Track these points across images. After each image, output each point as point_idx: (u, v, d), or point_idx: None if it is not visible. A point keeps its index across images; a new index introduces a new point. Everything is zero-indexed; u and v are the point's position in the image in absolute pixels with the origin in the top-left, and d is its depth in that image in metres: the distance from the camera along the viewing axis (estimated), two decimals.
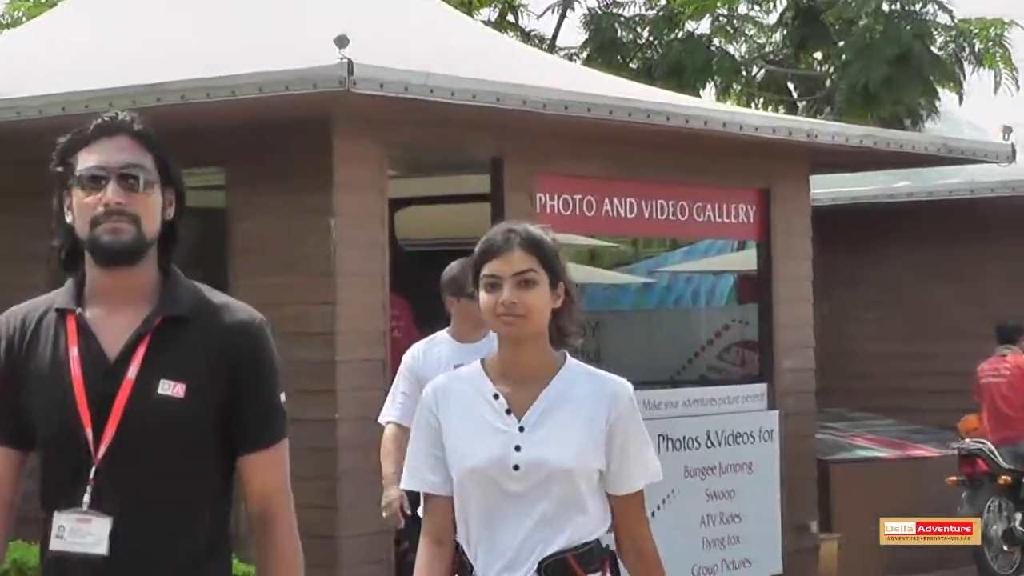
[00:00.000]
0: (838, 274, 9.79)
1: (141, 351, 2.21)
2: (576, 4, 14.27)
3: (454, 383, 2.72)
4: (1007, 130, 8.48)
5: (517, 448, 2.63)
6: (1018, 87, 12.93)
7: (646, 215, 7.36)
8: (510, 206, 6.48)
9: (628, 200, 7.26)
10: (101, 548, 2.15)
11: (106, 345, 2.21)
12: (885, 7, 12.20)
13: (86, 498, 2.16)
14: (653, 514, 6.84)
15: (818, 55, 13.83)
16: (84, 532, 2.16)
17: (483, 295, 2.65)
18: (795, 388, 7.91)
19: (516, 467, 2.63)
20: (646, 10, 13.68)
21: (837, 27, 12.76)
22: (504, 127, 6.54)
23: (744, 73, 13.56)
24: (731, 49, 13.53)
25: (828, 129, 7.86)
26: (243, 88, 5.74)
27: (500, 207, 6.55)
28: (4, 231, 6.19)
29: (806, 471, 7.98)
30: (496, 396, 2.67)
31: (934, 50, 12.36)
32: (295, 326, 6.08)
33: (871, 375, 9.79)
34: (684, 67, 12.69)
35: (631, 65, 13.19)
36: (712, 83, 13.20)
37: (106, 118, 2.28)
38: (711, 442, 7.40)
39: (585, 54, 13.62)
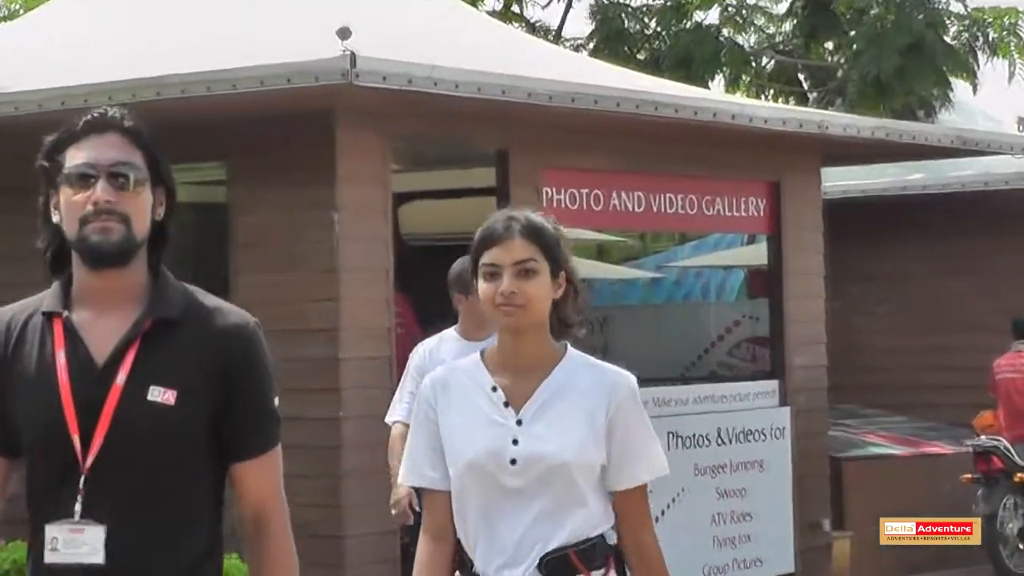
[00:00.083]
0: (850, 268, 9.70)
1: (131, 356, 2.16)
2: None
3: (453, 376, 2.66)
4: (1022, 121, 8.37)
5: (515, 442, 2.58)
6: None
7: (654, 209, 7.29)
8: (516, 200, 6.39)
9: (636, 194, 7.18)
10: (97, 557, 2.11)
11: (94, 349, 2.16)
12: None
13: (77, 507, 2.12)
14: (663, 512, 6.92)
15: (829, 45, 13.71)
16: (78, 542, 2.12)
17: (482, 284, 2.59)
18: (807, 385, 7.83)
19: (513, 461, 2.57)
20: (653, 0, 13.59)
21: (848, 16, 12.64)
22: (509, 120, 6.46)
23: (753, 64, 13.47)
24: (740, 39, 13.44)
25: (839, 121, 7.77)
26: (244, 81, 5.67)
27: (506, 201, 6.46)
28: (4, 230, 6.12)
29: (818, 469, 7.90)
30: (494, 388, 2.61)
31: (947, 39, 12.27)
32: (298, 322, 6.01)
33: (883, 371, 9.71)
34: (692, 58, 12.59)
35: (638, 56, 13.10)
36: (721, 74, 13.11)
37: (96, 114, 2.21)
38: (722, 440, 7.32)
39: (591, 45, 13.52)
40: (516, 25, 13.85)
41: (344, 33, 5.45)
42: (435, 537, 2.63)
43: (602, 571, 2.60)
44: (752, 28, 13.59)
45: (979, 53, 12.51)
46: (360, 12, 6.33)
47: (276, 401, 2.23)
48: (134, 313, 2.17)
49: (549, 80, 6.28)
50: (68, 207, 2.16)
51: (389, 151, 6.21)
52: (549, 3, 14.69)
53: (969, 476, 8.30)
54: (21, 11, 13.94)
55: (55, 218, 2.19)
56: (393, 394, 5.48)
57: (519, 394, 2.60)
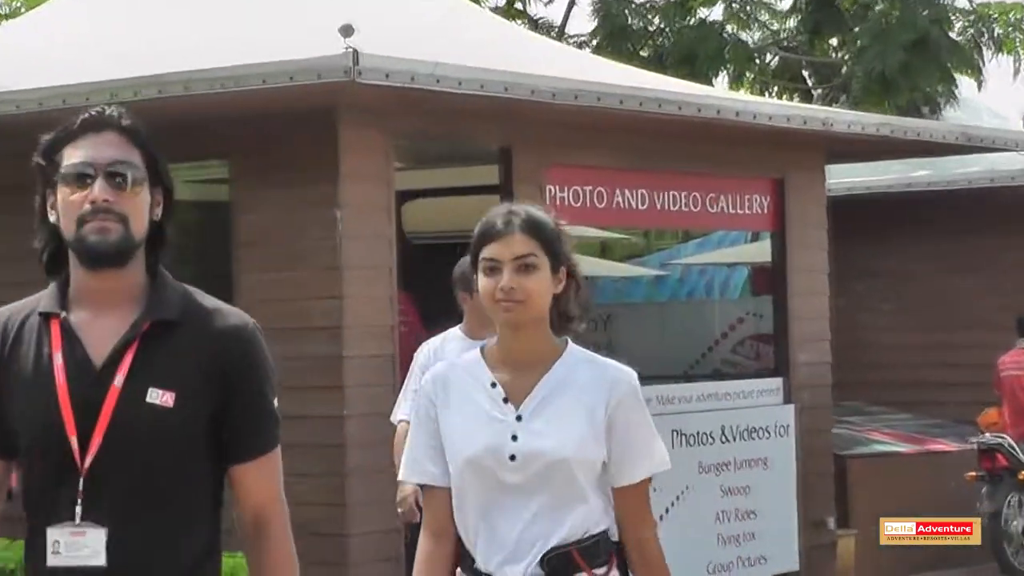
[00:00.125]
0: (854, 265, 9.68)
1: (129, 357, 2.13)
2: None
3: (453, 372, 2.65)
4: None
5: (514, 437, 2.56)
6: None
7: (658, 206, 7.27)
8: (519, 198, 6.36)
9: (640, 191, 7.16)
10: (99, 560, 2.09)
11: (92, 350, 2.14)
12: None
13: (77, 510, 2.10)
14: (667, 510, 6.90)
15: (833, 41, 13.68)
16: (80, 545, 2.10)
17: (482, 279, 2.57)
18: (811, 382, 7.81)
19: (512, 457, 2.55)
20: None
21: (852, 12, 12.61)
22: (513, 117, 6.44)
23: (757, 60, 13.44)
24: (744, 36, 13.41)
25: (844, 118, 7.75)
26: (247, 79, 5.66)
27: (509, 199, 6.42)
28: (4, 229, 6.11)
29: (822, 466, 7.88)
30: (493, 384, 2.59)
31: (952, 35, 12.22)
32: (301, 321, 6.00)
33: (888, 368, 9.68)
34: (696, 55, 12.57)
35: (642, 53, 13.08)
36: (725, 71, 13.08)
37: (93, 112, 2.19)
38: (726, 437, 7.30)
39: (595, 42, 13.49)
40: (519, 22, 13.82)
41: (347, 31, 5.43)
42: (435, 534, 2.62)
43: (604, 569, 2.58)
44: (756, 24, 13.56)
45: (984, 49, 12.47)
46: (362, 9, 6.31)
47: (276, 402, 2.21)
48: (132, 314, 2.15)
49: (552, 77, 6.26)
50: (65, 207, 2.14)
51: (392, 149, 6.20)
52: (552, 0, 14.67)
53: (973, 474, 8.28)
54: (23, 9, 13.94)
55: (52, 218, 2.17)
56: (396, 392, 5.47)
57: (519, 390, 2.58)
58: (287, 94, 5.70)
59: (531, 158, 6.62)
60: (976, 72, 12.45)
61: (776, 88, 13.56)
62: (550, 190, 6.71)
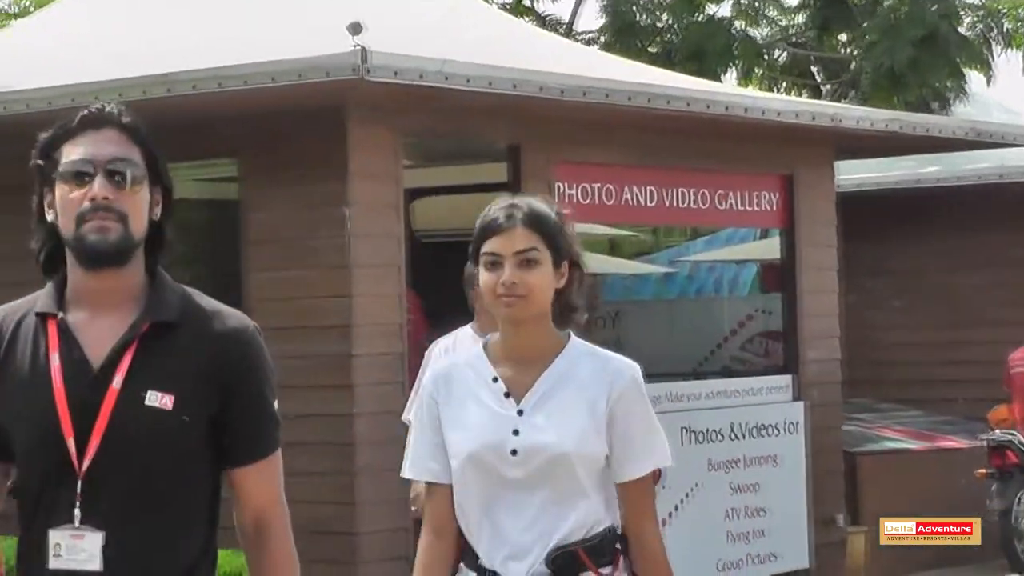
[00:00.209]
0: (863, 262, 9.65)
1: (127, 359, 2.10)
2: None
3: (455, 368, 2.64)
4: None
5: (515, 432, 2.55)
6: None
7: (667, 203, 7.25)
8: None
9: (648, 188, 7.15)
10: (95, 564, 2.08)
11: (89, 351, 2.11)
12: None
13: (76, 512, 2.08)
14: (676, 508, 6.89)
15: (842, 37, 13.64)
16: (78, 548, 2.08)
17: (483, 274, 2.55)
18: (821, 379, 7.79)
19: (514, 452, 2.54)
20: None
21: (861, 7, 12.57)
22: (521, 114, 6.43)
23: (766, 56, 13.40)
24: (753, 32, 13.37)
25: (853, 113, 7.73)
26: (255, 77, 5.66)
27: None
28: (12, 229, 6.11)
29: (832, 463, 7.86)
30: (495, 379, 2.58)
31: (961, 30, 12.18)
32: (310, 319, 6.00)
33: (898, 365, 9.66)
34: (705, 51, 12.53)
35: (650, 50, 13.04)
36: (734, 67, 13.05)
37: (93, 109, 2.15)
38: (735, 435, 7.29)
39: (603, 39, 13.47)
40: (528, 19, 13.81)
41: (355, 28, 5.42)
42: (436, 531, 2.61)
43: (610, 569, 2.57)
44: (764, 20, 13.53)
45: (994, 44, 12.42)
46: (368, 7, 6.31)
47: (276, 404, 2.19)
48: (131, 315, 2.12)
49: (560, 74, 6.25)
50: (64, 204, 2.11)
51: (401, 146, 6.19)
52: None
53: (984, 471, 8.25)
54: (31, 8, 13.96)
55: (50, 217, 2.14)
56: (405, 390, 5.46)
57: (520, 384, 2.57)
58: (296, 92, 5.69)
59: (539, 155, 6.61)
60: (985, 67, 12.40)
61: (785, 84, 13.52)
62: (558, 187, 6.70)
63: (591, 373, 2.56)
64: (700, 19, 13.11)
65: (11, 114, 6.12)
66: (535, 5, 14.87)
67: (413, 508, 5.17)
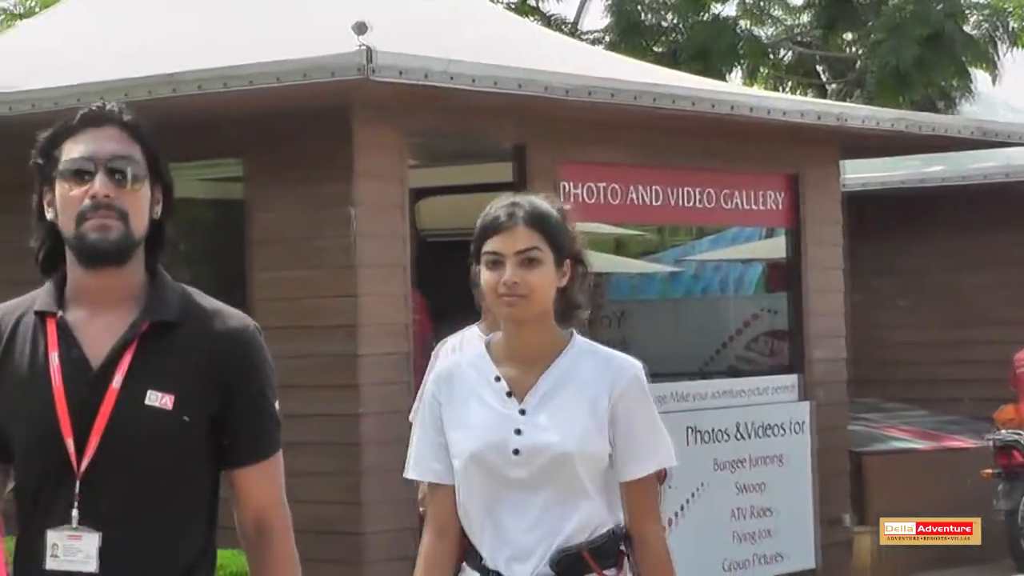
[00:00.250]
0: (869, 261, 9.64)
1: (127, 358, 2.08)
2: None
3: (457, 368, 2.63)
4: None
5: (517, 432, 2.54)
6: None
7: (672, 203, 7.25)
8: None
9: (654, 187, 7.14)
10: (91, 566, 2.06)
11: (89, 350, 2.09)
12: None
13: (74, 513, 2.06)
14: (682, 508, 6.88)
15: (848, 36, 13.62)
16: (75, 549, 2.06)
17: (484, 273, 2.54)
18: (826, 378, 7.78)
19: (516, 451, 2.53)
20: None
21: (866, 4, 12.55)
22: (526, 114, 6.43)
23: (771, 56, 13.38)
24: (758, 31, 13.35)
25: (858, 113, 7.72)
26: (261, 77, 5.66)
27: None
28: (20, 229, 6.12)
29: (839, 463, 7.85)
30: (497, 378, 2.57)
31: (967, 29, 12.15)
32: (315, 319, 6.01)
33: (904, 364, 9.64)
34: (710, 51, 12.51)
35: (655, 49, 13.02)
36: (739, 67, 13.03)
37: (94, 107, 2.14)
38: (741, 434, 7.28)
39: (608, 38, 13.46)
40: (533, 19, 13.80)
41: (360, 28, 5.42)
42: (438, 532, 2.60)
43: (613, 571, 2.56)
44: (770, 20, 13.51)
45: (1000, 43, 12.39)
46: (373, 6, 6.31)
47: (277, 405, 2.17)
48: (130, 314, 2.10)
49: (566, 74, 6.25)
50: (64, 202, 2.09)
51: (406, 146, 6.19)
52: None
53: (990, 471, 8.23)
54: (37, 8, 13.97)
55: (49, 215, 2.12)
56: (411, 389, 5.46)
57: (523, 384, 2.56)
58: (301, 92, 5.69)
59: (545, 155, 6.60)
60: (991, 66, 12.37)
61: (790, 83, 13.50)
62: (564, 186, 6.70)
63: (593, 372, 2.55)
64: (705, 19, 13.09)
65: (17, 114, 6.13)
66: (540, 5, 14.86)
67: (421, 509, 5.17)
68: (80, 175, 2.09)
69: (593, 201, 6.86)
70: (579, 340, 2.60)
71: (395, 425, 5.52)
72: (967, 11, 12.24)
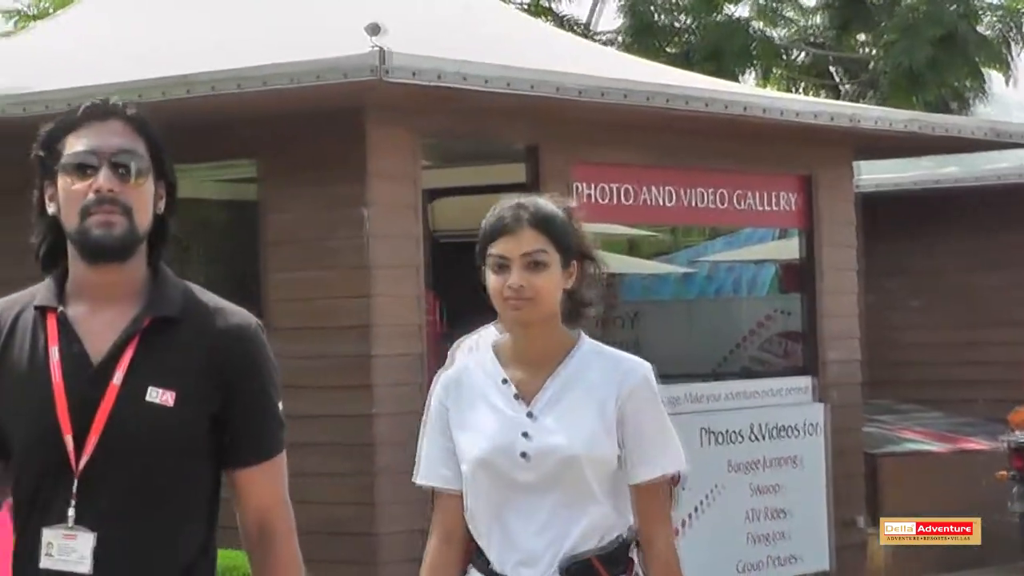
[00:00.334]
0: (883, 262, 9.61)
1: (128, 354, 2.05)
2: None
3: (465, 372, 2.61)
4: None
5: (525, 435, 2.51)
6: None
7: (685, 203, 7.24)
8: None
9: (667, 188, 7.14)
10: (84, 567, 2.03)
11: (90, 346, 2.06)
12: None
13: (71, 512, 2.03)
14: (696, 509, 6.86)
15: (861, 37, 13.60)
16: (69, 549, 2.03)
17: (490, 276, 2.51)
18: (841, 380, 7.76)
19: (524, 455, 2.51)
20: None
21: (880, 5, 12.52)
22: (539, 115, 6.43)
23: (785, 57, 13.37)
24: (771, 32, 13.33)
25: (871, 114, 7.71)
26: (274, 78, 5.67)
27: None
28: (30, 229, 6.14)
29: (853, 465, 7.83)
30: (505, 381, 2.55)
31: (980, 30, 12.12)
32: (329, 320, 6.01)
33: (918, 365, 9.60)
34: (723, 52, 12.51)
35: (669, 50, 13.02)
36: (752, 68, 13.02)
37: (97, 101, 2.12)
38: (755, 436, 7.26)
39: (621, 39, 13.45)
40: (545, 20, 13.80)
41: (374, 29, 5.43)
42: (446, 536, 2.58)
43: None
44: (783, 21, 13.49)
45: (1013, 44, 12.36)
46: (386, 7, 6.31)
47: (280, 405, 2.14)
48: (132, 310, 2.07)
49: (579, 75, 6.25)
50: (68, 197, 2.05)
51: (419, 147, 6.20)
52: None
53: (1005, 472, 8.20)
54: (51, 10, 14.02)
55: (51, 210, 2.08)
56: (425, 390, 5.45)
57: (530, 386, 2.54)
58: (314, 93, 5.70)
59: (558, 156, 6.60)
60: (1005, 67, 12.35)
61: (804, 84, 13.48)
62: (577, 187, 6.70)
63: (601, 373, 2.53)
64: (719, 19, 13.08)
65: (31, 115, 6.14)
66: (553, 5, 14.86)
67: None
68: (83, 169, 2.06)
69: (606, 202, 6.86)
70: (587, 341, 2.57)
71: (408, 426, 5.51)
72: (981, 12, 12.22)
